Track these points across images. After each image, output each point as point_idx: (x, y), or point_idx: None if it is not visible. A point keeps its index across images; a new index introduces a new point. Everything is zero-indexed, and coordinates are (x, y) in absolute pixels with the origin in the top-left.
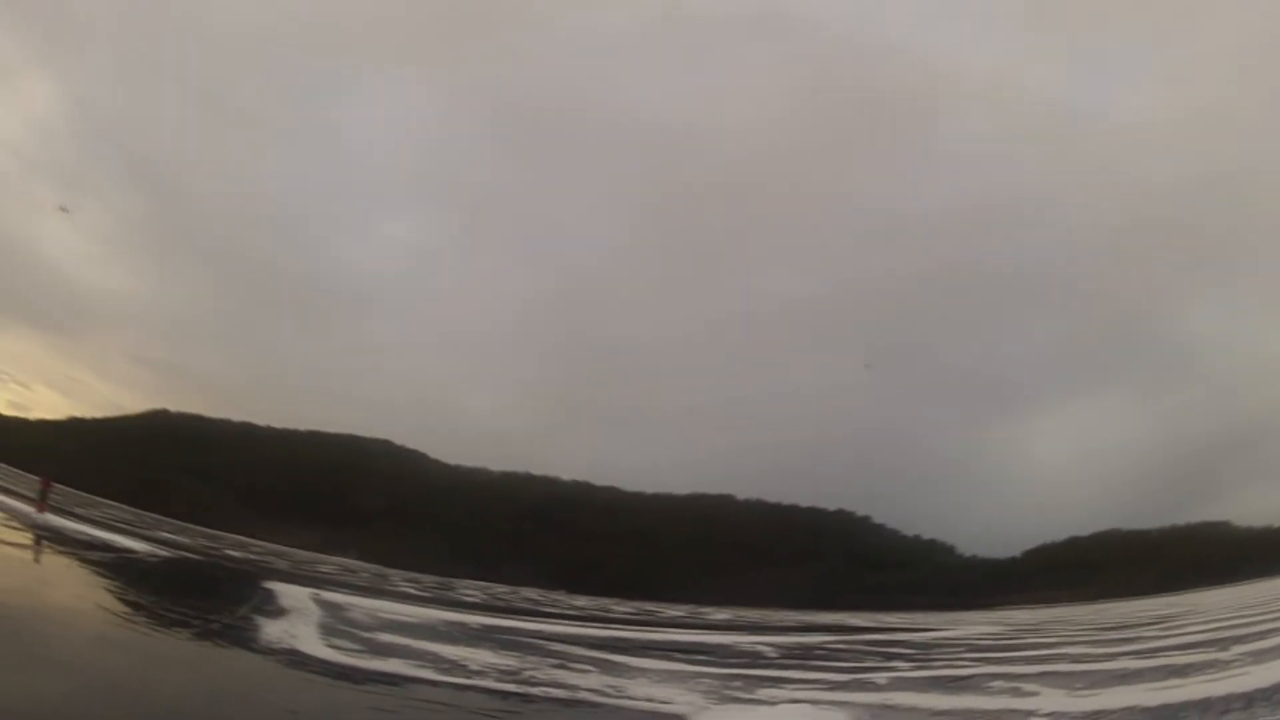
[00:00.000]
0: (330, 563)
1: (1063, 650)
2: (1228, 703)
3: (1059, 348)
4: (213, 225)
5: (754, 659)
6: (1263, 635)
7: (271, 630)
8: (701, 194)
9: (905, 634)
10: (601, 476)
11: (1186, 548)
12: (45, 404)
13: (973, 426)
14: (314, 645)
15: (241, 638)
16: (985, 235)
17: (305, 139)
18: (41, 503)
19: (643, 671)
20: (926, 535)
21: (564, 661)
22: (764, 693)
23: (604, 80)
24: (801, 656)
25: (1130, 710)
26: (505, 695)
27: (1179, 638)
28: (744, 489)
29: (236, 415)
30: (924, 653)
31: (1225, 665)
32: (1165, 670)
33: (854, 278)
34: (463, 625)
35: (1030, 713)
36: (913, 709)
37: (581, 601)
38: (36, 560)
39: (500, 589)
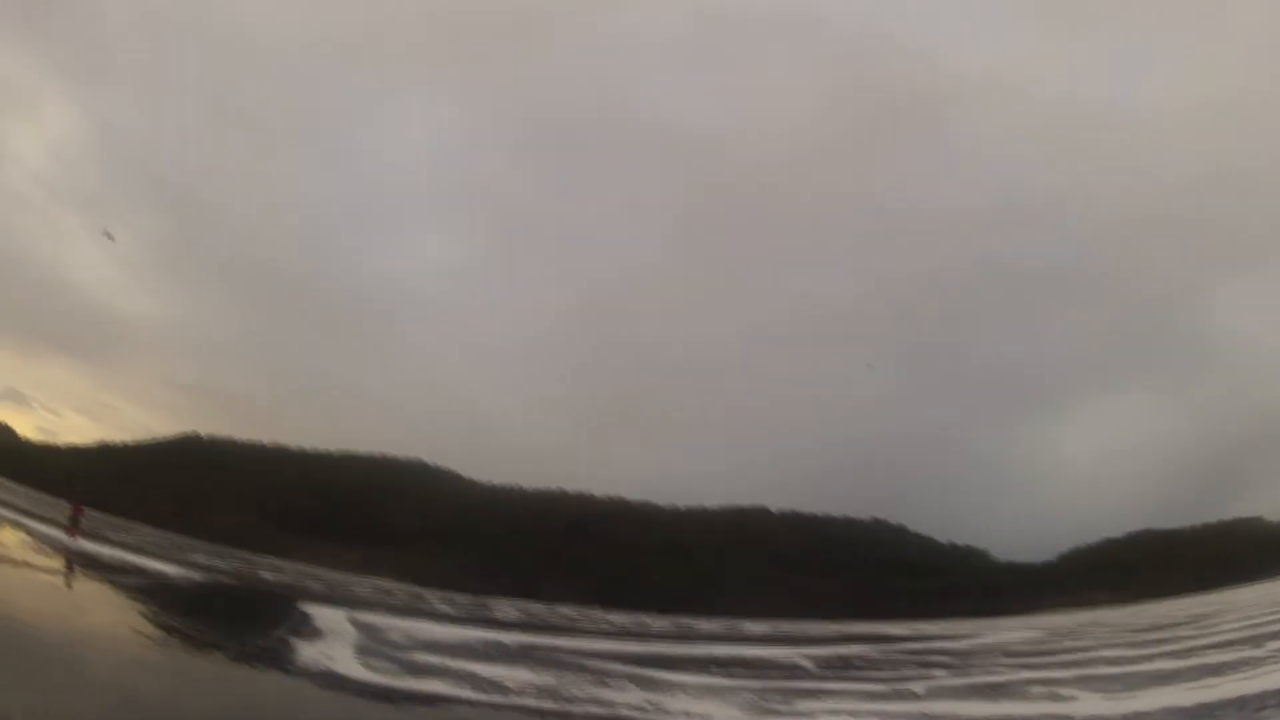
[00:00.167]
0: (365, 583)
1: (1099, 653)
2: (1263, 699)
3: (1086, 346)
4: (242, 246)
5: (792, 671)
6: None
7: (307, 652)
8: (731, 201)
9: (943, 642)
10: (636, 491)
11: (1219, 545)
12: (75, 429)
13: (1005, 429)
14: (350, 666)
15: (277, 660)
16: (1012, 233)
17: (334, 156)
18: (73, 528)
19: (681, 686)
20: (962, 541)
21: (602, 678)
22: (803, 705)
23: (631, 90)
24: (840, 668)
25: (1168, 711)
26: (544, 713)
27: (1214, 636)
28: (778, 500)
29: (268, 437)
30: (962, 660)
31: (1260, 662)
32: (1201, 669)
33: (883, 281)
34: (500, 644)
35: (1068, 717)
36: (952, 717)
37: (618, 617)
38: (69, 585)
39: (536, 607)
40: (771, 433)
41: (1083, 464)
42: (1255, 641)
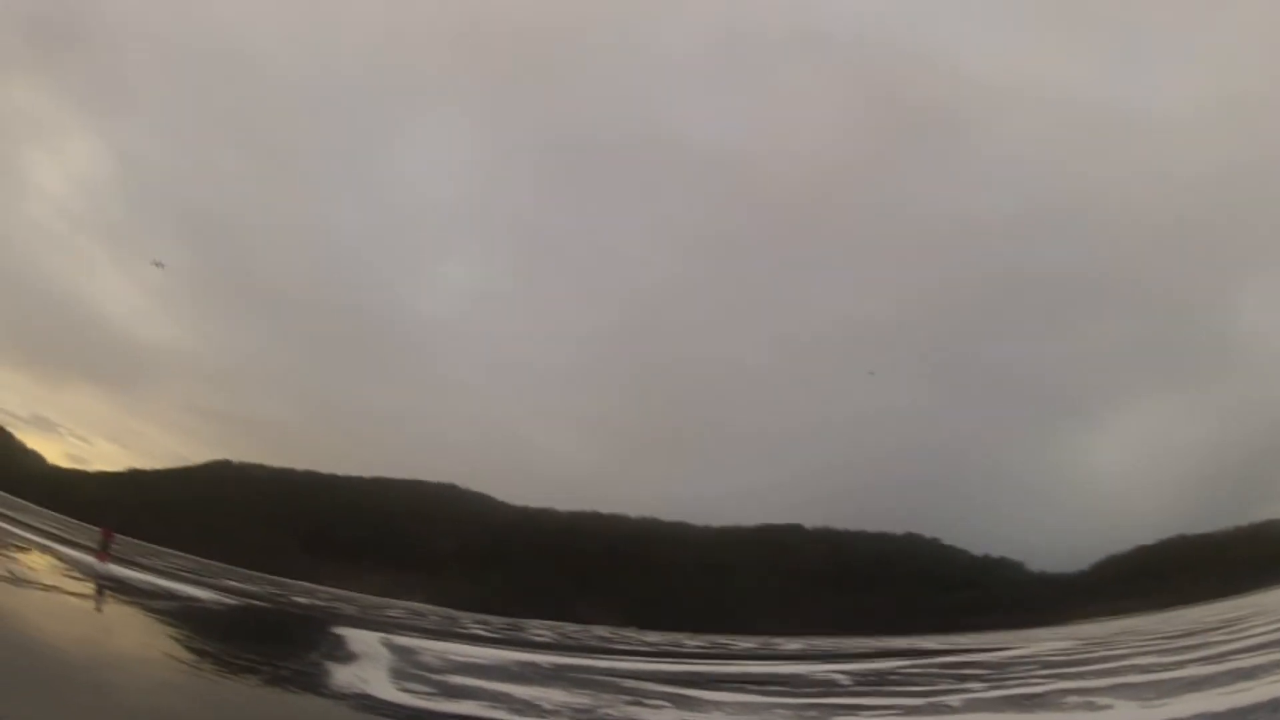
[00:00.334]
0: (399, 607)
1: (1133, 661)
2: None
3: (1113, 352)
4: (270, 273)
5: (828, 688)
6: None
7: (342, 675)
8: (758, 217)
9: (978, 654)
10: (669, 512)
11: (1249, 548)
12: (105, 456)
13: (1035, 439)
14: (385, 689)
15: (311, 683)
16: (1038, 240)
17: (360, 181)
18: (103, 553)
19: (717, 705)
20: (995, 553)
21: (638, 698)
22: None
23: (655, 110)
24: (875, 683)
25: (1201, 716)
26: None
27: (1246, 640)
28: (812, 517)
29: (300, 463)
30: (997, 672)
31: None
32: (1233, 674)
33: (911, 292)
34: (535, 665)
35: None
36: None
37: (653, 637)
38: (99, 609)
39: (571, 628)
40: (804, 449)
41: (1113, 471)
42: None
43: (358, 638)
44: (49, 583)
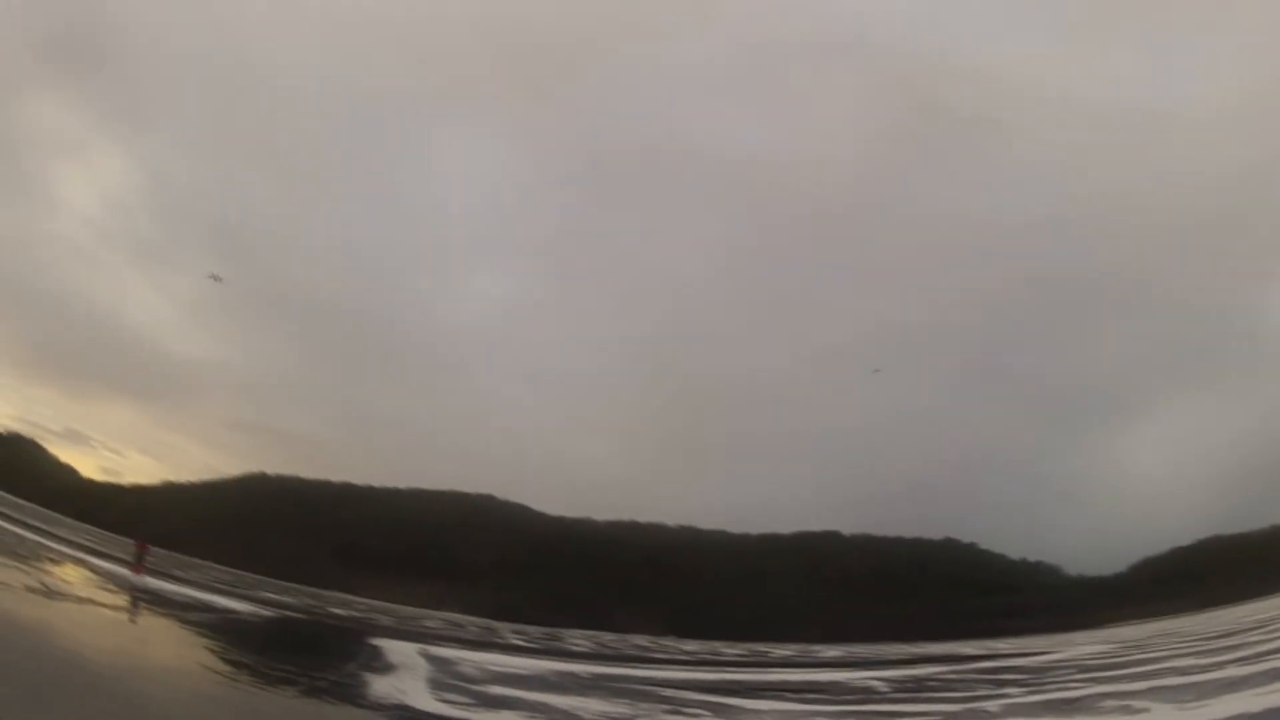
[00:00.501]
0: (436, 617)
1: (1170, 664)
2: None
3: (1145, 354)
4: (302, 287)
5: (866, 695)
6: None
7: (380, 686)
8: (787, 226)
9: (1016, 659)
10: (707, 520)
11: None
12: (139, 470)
13: (1070, 442)
14: (424, 699)
15: (349, 694)
16: (1068, 243)
17: (390, 195)
18: (138, 565)
19: (756, 713)
20: (1033, 558)
21: (676, 707)
22: None
23: (682, 120)
24: (914, 689)
25: (1239, 717)
26: None
27: None
28: (849, 523)
29: (336, 476)
30: (1035, 677)
31: None
32: (1270, 674)
33: (943, 298)
34: (573, 675)
35: None
36: None
37: (692, 645)
38: (133, 622)
39: (609, 637)
40: (841, 456)
41: (1148, 473)
42: None
43: (395, 648)
44: (83, 595)
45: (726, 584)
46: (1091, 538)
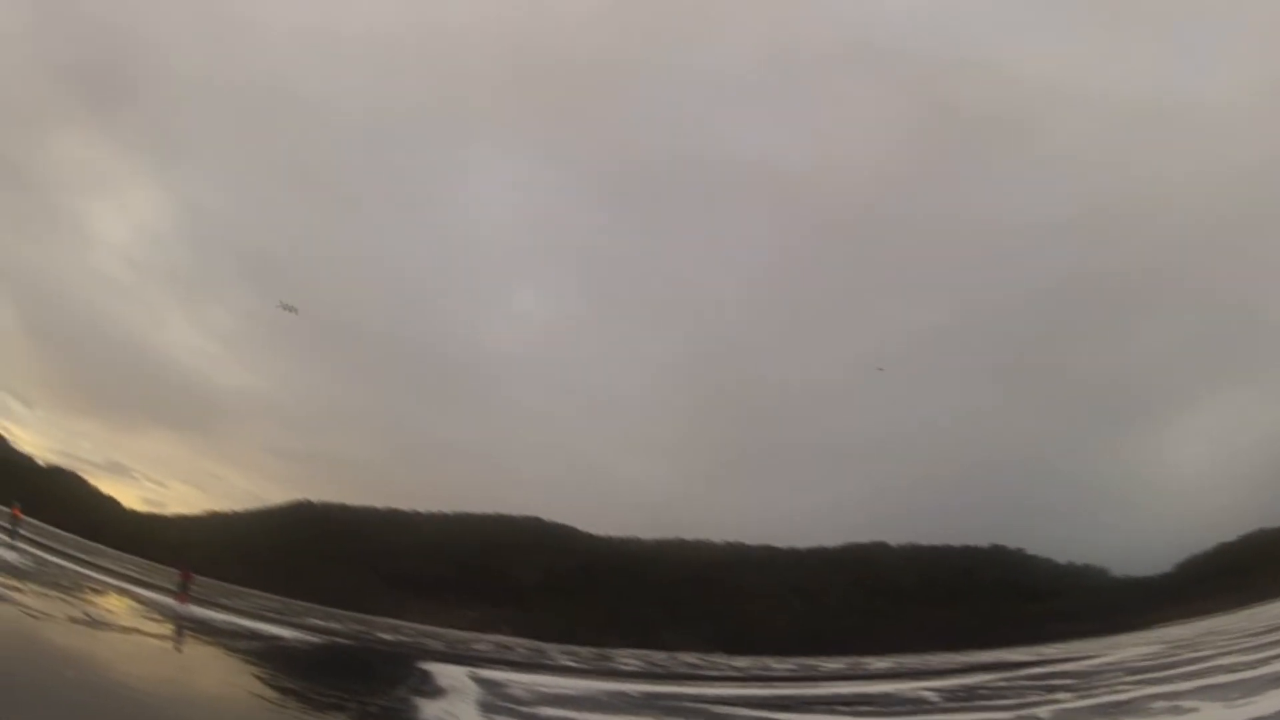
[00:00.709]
0: (485, 640)
1: (1217, 662)
2: None
3: (1182, 350)
4: (340, 312)
5: (917, 705)
6: None
7: (430, 710)
8: (824, 234)
9: (1065, 664)
10: (753, 535)
11: None
12: (182, 500)
13: (1112, 442)
14: None
15: (400, 719)
16: (1103, 241)
17: (425, 217)
18: (183, 594)
19: None
20: (1080, 560)
21: None
22: None
23: (715, 131)
24: (964, 698)
25: None
26: None
27: None
28: (896, 534)
29: (381, 502)
30: (1085, 681)
31: None
32: None
33: (981, 302)
34: (624, 694)
35: None
36: None
37: (741, 662)
38: (179, 650)
39: (659, 655)
40: (885, 465)
41: (1190, 470)
42: None
43: (445, 672)
44: (128, 624)
45: (774, 599)
46: (1136, 537)
